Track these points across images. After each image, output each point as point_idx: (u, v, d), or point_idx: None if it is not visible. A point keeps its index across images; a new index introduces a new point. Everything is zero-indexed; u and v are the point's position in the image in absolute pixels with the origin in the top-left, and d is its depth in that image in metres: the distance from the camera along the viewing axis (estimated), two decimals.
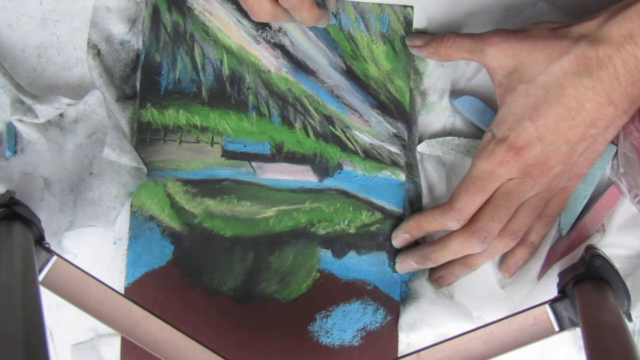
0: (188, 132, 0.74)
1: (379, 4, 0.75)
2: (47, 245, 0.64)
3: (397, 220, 0.76)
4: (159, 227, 0.74)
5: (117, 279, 0.73)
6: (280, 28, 0.75)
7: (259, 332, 0.74)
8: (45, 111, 0.70)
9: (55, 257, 0.63)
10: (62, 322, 0.73)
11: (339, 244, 0.75)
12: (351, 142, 0.75)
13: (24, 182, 0.71)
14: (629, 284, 0.69)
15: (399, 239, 0.75)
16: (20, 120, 0.70)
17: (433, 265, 0.74)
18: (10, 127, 0.71)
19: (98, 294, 0.63)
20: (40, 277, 0.63)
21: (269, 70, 0.75)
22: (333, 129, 0.75)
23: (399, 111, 0.76)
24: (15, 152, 0.71)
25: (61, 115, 0.72)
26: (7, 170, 0.71)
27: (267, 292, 0.75)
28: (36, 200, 0.70)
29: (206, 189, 0.74)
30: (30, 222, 0.63)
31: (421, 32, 0.76)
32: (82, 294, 0.63)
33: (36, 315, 0.50)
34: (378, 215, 0.76)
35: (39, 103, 0.70)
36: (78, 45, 0.73)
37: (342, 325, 0.75)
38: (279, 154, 0.75)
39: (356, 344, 0.75)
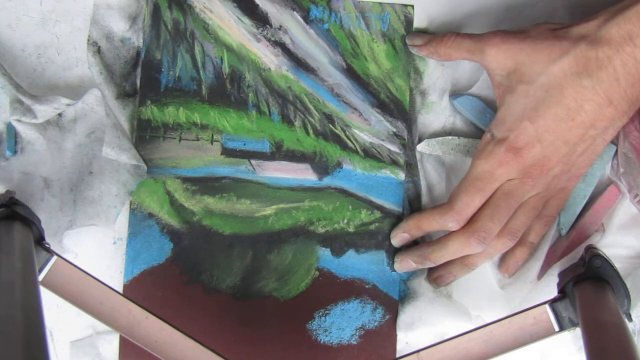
0: (188, 129, 0.74)
1: (380, 3, 0.75)
2: (47, 245, 0.64)
3: (397, 220, 0.76)
4: (158, 224, 0.74)
5: (117, 279, 0.73)
6: (280, 26, 0.75)
7: (258, 330, 0.74)
8: (44, 111, 0.70)
9: (55, 257, 0.63)
10: (62, 321, 0.73)
11: (338, 242, 0.75)
12: (351, 141, 0.75)
13: (24, 182, 0.71)
14: (629, 284, 0.69)
15: (398, 238, 0.75)
16: (19, 121, 0.70)
17: (432, 265, 0.74)
18: (10, 127, 0.71)
19: (98, 294, 0.63)
20: (40, 277, 0.63)
21: (269, 68, 0.75)
22: (333, 128, 0.75)
23: (399, 110, 0.76)
24: (15, 152, 0.71)
25: (60, 114, 0.72)
26: (7, 170, 0.71)
27: (266, 290, 0.75)
28: (36, 200, 0.70)
29: (205, 186, 0.74)
30: (30, 222, 0.63)
31: (421, 32, 0.76)
32: (82, 294, 0.63)
33: (36, 315, 0.50)
34: (377, 214, 0.76)
35: (38, 103, 0.70)
36: (78, 45, 0.73)
37: (341, 324, 0.75)
38: (279, 152, 0.75)
39: (355, 342, 0.75)
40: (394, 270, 0.76)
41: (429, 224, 0.72)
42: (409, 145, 0.76)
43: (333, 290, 0.75)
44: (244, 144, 0.74)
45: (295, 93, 0.75)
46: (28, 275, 0.55)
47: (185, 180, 0.74)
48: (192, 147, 0.74)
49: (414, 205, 0.76)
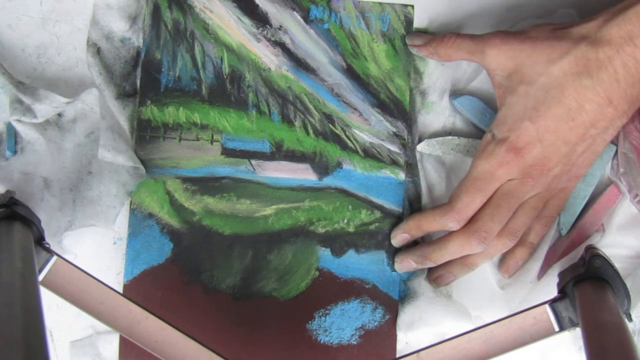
0: (188, 129, 0.74)
1: (380, 3, 0.75)
2: (47, 245, 0.64)
3: (397, 220, 0.76)
4: (158, 224, 0.74)
5: (117, 279, 0.73)
6: (280, 26, 0.75)
7: (258, 330, 0.74)
8: (44, 110, 0.70)
9: (55, 257, 0.63)
10: (62, 322, 0.73)
11: (338, 242, 0.75)
12: (351, 141, 0.75)
13: (23, 182, 0.71)
14: (629, 284, 0.69)
15: (398, 238, 0.75)
16: (19, 121, 0.70)
17: (432, 265, 0.74)
18: (10, 127, 0.71)
19: (98, 294, 0.63)
20: (40, 277, 0.63)
21: (269, 68, 0.75)
22: (333, 128, 0.75)
23: (399, 110, 0.76)
24: (15, 152, 0.71)
25: (59, 114, 0.72)
26: (7, 170, 0.71)
27: (266, 290, 0.75)
28: (36, 200, 0.70)
29: (205, 186, 0.74)
30: (30, 222, 0.63)
31: (421, 32, 0.76)
32: (82, 294, 0.63)
33: (36, 315, 0.50)
34: (377, 214, 0.76)
35: (38, 102, 0.70)
36: (78, 45, 0.73)
37: (341, 324, 0.75)
38: (279, 152, 0.75)
39: (355, 342, 0.75)
40: (394, 270, 0.76)
41: (429, 224, 0.72)
42: (409, 145, 0.76)
43: (333, 290, 0.75)
44: (244, 144, 0.74)
45: (295, 93, 0.75)
46: (28, 275, 0.55)
47: (185, 180, 0.74)
48: (192, 147, 0.74)
49: (414, 205, 0.76)
